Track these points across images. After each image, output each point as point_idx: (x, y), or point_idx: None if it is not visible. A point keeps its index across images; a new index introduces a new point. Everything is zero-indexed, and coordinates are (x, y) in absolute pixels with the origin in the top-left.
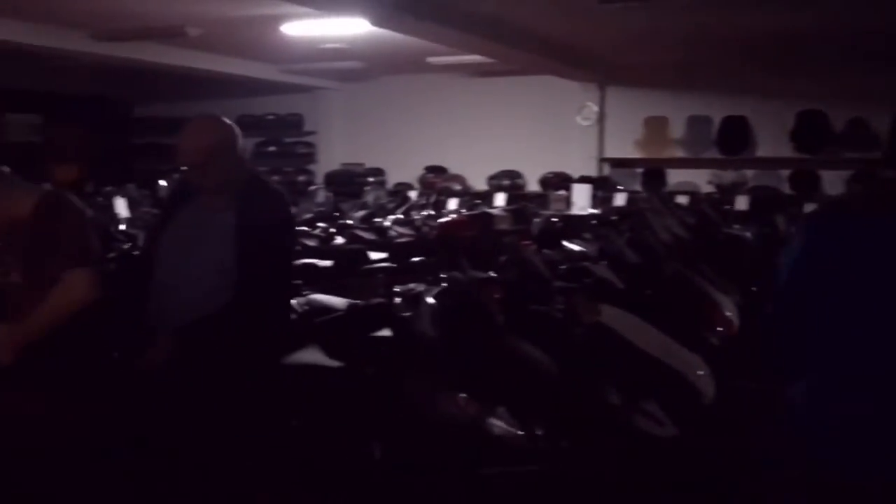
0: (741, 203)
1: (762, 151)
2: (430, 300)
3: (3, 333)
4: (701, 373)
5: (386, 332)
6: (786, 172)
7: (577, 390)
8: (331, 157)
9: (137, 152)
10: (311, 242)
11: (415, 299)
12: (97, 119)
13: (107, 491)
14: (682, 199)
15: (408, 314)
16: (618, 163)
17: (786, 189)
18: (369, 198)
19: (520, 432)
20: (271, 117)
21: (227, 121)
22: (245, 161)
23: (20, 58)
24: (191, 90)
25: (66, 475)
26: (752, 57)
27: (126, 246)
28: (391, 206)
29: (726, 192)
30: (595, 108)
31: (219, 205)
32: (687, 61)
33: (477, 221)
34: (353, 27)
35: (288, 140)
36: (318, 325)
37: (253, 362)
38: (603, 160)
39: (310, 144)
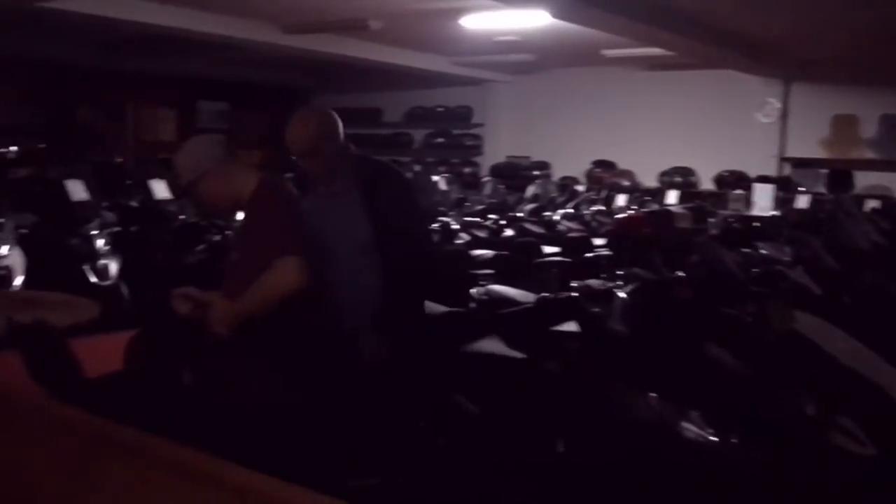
0: None
1: None
2: (621, 296)
3: (222, 307)
4: None
5: (570, 327)
6: None
7: (771, 399)
8: (497, 149)
9: None
10: (481, 234)
11: (604, 295)
12: (279, 108)
13: (304, 461)
14: (873, 204)
15: (597, 310)
16: (800, 163)
17: None
18: (536, 190)
19: (714, 438)
20: (441, 109)
21: (328, 111)
22: (350, 147)
23: (213, 49)
24: (366, 81)
25: (276, 443)
26: None
27: None
28: (560, 199)
29: None
30: (777, 105)
31: (336, 190)
32: (881, 54)
33: (656, 219)
34: (531, 19)
35: (456, 132)
36: (503, 316)
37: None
38: (784, 160)
39: (477, 136)
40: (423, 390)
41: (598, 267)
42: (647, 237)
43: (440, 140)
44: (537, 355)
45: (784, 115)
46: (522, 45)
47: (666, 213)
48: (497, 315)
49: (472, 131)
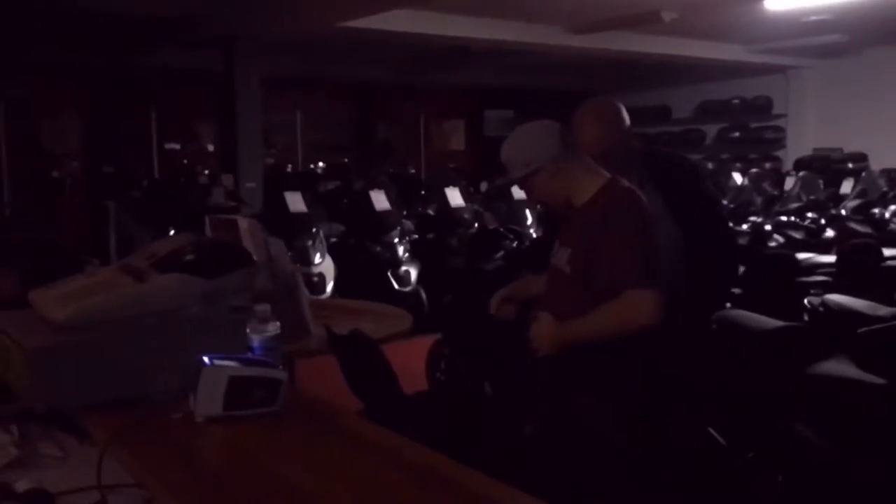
0: None
1: None
2: None
3: (549, 326)
4: None
5: None
6: None
7: None
8: (801, 141)
9: None
10: (797, 235)
11: None
12: (561, 111)
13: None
14: None
15: None
16: None
17: None
18: (861, 185)
19: None
20: (736, 101)
21: (617, 102)
22: (633, 137)
23: (498, 56)
24: (652, 78)
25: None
26: None
27: None
28: (891, 194)
29: None
30: None
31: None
32: None
33: None
34: None
35: (754, 125)
36: (860, 334)
37: None
38: None
39: (778, 129)
40: (758, 416)
41: None
42: None
43: (735, 134)
44: None
45: None
46: (835, 25)
47: None
48: (849, 332)
49: (773, 123)
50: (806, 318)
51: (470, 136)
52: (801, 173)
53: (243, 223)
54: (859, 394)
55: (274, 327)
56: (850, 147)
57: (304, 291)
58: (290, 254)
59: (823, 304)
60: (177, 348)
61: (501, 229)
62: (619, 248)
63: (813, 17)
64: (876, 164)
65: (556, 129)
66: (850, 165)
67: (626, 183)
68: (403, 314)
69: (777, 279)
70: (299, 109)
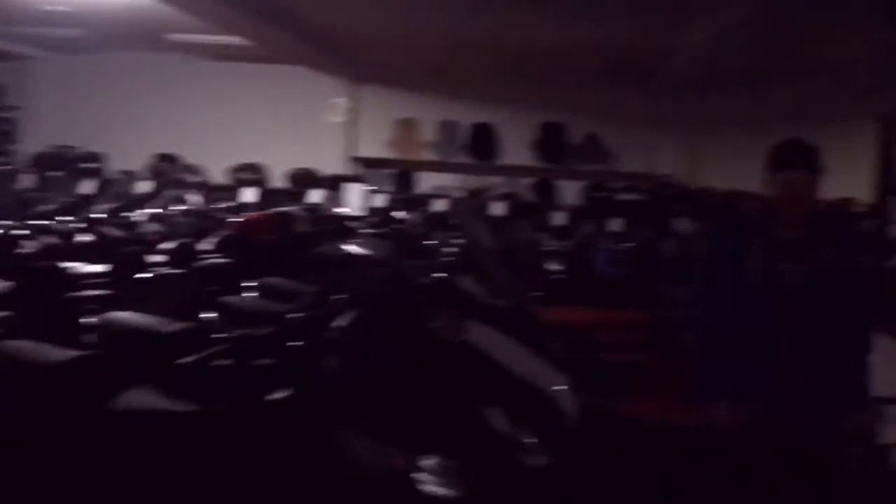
0: (498, 209)
1: (508, 159)
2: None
3: None
4: (561, 388)
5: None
6: (528, 181)
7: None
8: (37, 137)
9: None
10: (51, 240)
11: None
12: None
13: None
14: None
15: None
16: (369, 163)
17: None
18: (119, 188)
19: None
20: None
21: None
22: None
23: None
24: None
25: None
26: (503, 66)
27: None
28: (142, 198)
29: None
30: (346, 105)
31: None
32: (441, 65)
33: (280, 222)
34: None
35: None
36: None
37: None
38: (354, 159)
39: (12, 121)
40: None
41: (220, 277)
42: (271, 242)
43: None
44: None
45: (354, 115)
46: (74, 18)
47: (286, 216)
48: (142, 353)
49: (5, 115)
50: (87, 340)
51: None
52: (47, 172)
53: None
54: (172, 423)
55: None
56: (90, 146)
57: None
58: None
59: (105, 323)
60: None
61: None
62: None
63: (49, 7)
64: (116, 166)
65: None
66: (87, 165)
67: None
68: None
69: (47, 296)
70: None
